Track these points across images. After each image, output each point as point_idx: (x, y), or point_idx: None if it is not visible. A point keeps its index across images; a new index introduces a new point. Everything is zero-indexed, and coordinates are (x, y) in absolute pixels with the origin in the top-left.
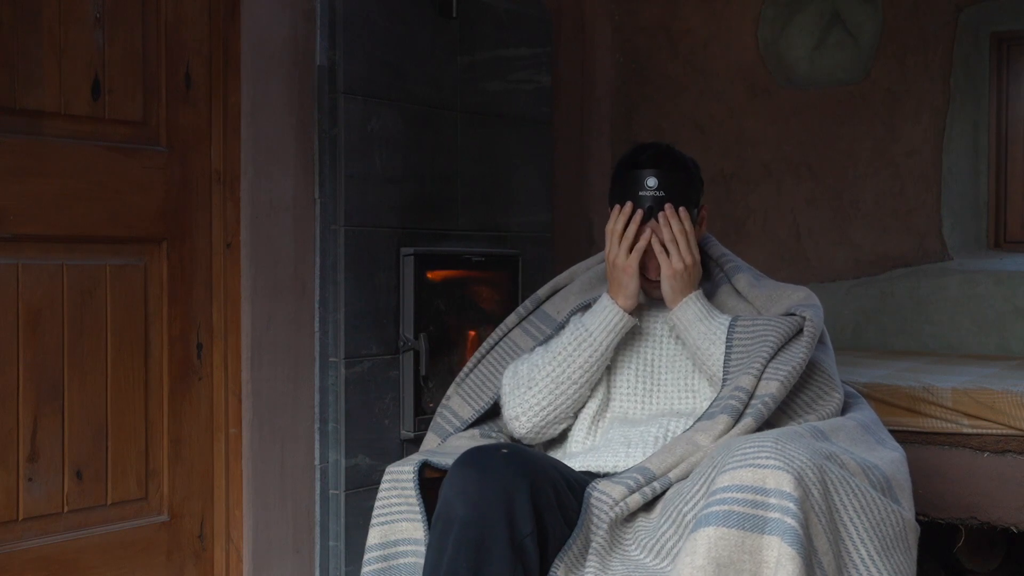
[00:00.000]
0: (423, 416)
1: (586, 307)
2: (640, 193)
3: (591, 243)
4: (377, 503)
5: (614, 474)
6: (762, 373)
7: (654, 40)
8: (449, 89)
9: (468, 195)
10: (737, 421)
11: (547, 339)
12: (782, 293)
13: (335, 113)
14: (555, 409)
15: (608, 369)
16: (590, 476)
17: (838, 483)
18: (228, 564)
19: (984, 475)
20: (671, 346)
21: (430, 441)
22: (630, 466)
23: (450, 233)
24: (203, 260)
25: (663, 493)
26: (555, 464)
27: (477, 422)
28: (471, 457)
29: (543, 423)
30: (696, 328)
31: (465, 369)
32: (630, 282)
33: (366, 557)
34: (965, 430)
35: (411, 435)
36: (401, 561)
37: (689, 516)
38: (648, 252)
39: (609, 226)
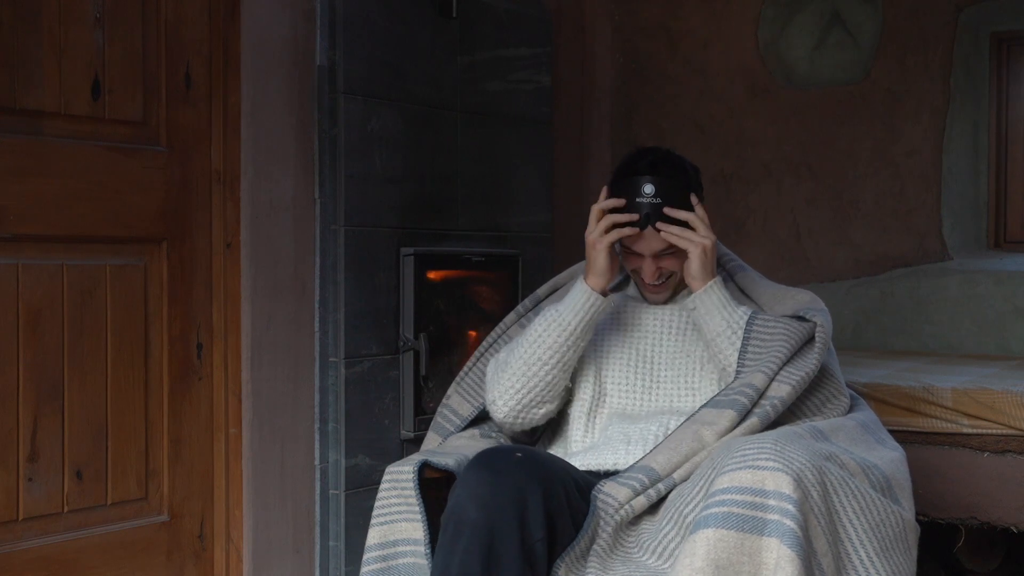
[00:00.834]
0: (423, 416)
1: None
2: (637, 200)
3: None
4: (377, 503)
5: (615, 472)
6: (775, 374)
7: (654, 40)
8: (449, 89)
9: (468, 195)
10: (743, 419)
11: None
12: (787, 294)
13: (335, 113)
14: (529, 392)
15: (603, 363)
16: (592, 475)
17: (837, 484)
18: (228, 564)
19: (984, 475)
20: (671, 343)
21: (431, 441)
22: (631, 464)
23: (450, 233)
24: (203, 260)
25: (667, 494)
26: (565, 466)
27: (477, 421)
28: (485, 459)
29: (519, 407)
30: (717, 315)
31: (465, 368)
32: (598, 258)
33: (365, 557)
34: (965, 430)
35: (411, 435)
36: (400, 561)
37: (690, 518)
38: (645, 257)
39: (595, 205)
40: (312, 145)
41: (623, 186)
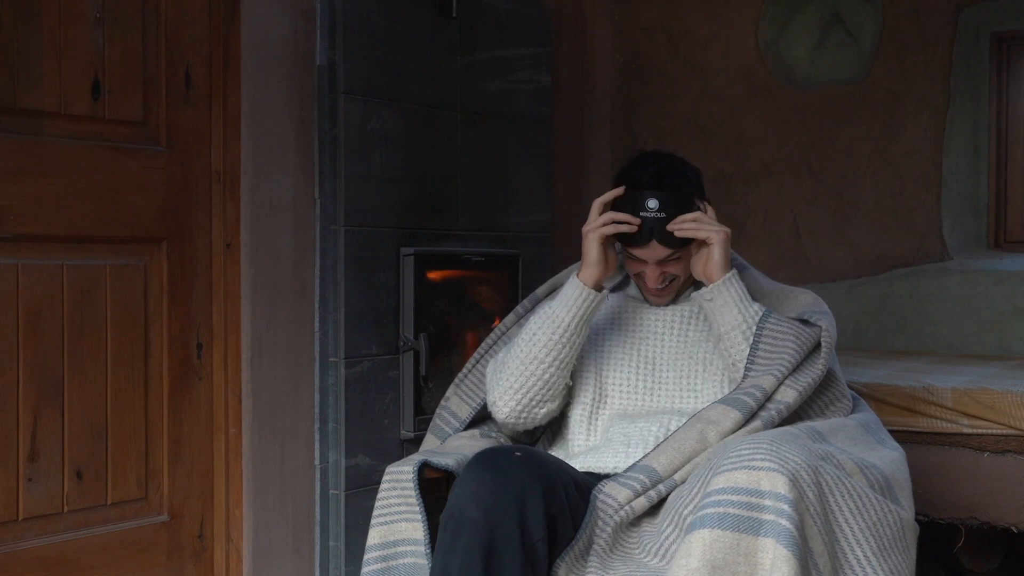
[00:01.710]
0: (423, 416)
1: None
2: (641, 214)
3: None
4: (377, 503)
5: (616, 474)
6: (784, 378)
7: (654, 40)
8: (449, 89)
9: (468, 195)
10: (748, 421)
11: None
12: (789, 295)
13: (335, 113)
14: (528, 392)
15: (604, 364)
16: (592, 477)
17: (833, 484)
18: (228, 564)
19: (984, 475)
20: (673, 344)
21: (429, 442)
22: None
23: (450, 233)
24: (203, 260)
25: (668, 495)
26: (565, 466)
27: (476, 421)
28: (485, 459)
29: (519, 407)
30: (734, 308)
31: (464, 370)
32: (590, 248)
33: (366, 557)
34: (965, 430)
35: (411, 435)
36: (400, 562)
37: (689, 520)
38: (648, 263)
39: (597, 199)
40: (312, 145)
41: (626, 200)
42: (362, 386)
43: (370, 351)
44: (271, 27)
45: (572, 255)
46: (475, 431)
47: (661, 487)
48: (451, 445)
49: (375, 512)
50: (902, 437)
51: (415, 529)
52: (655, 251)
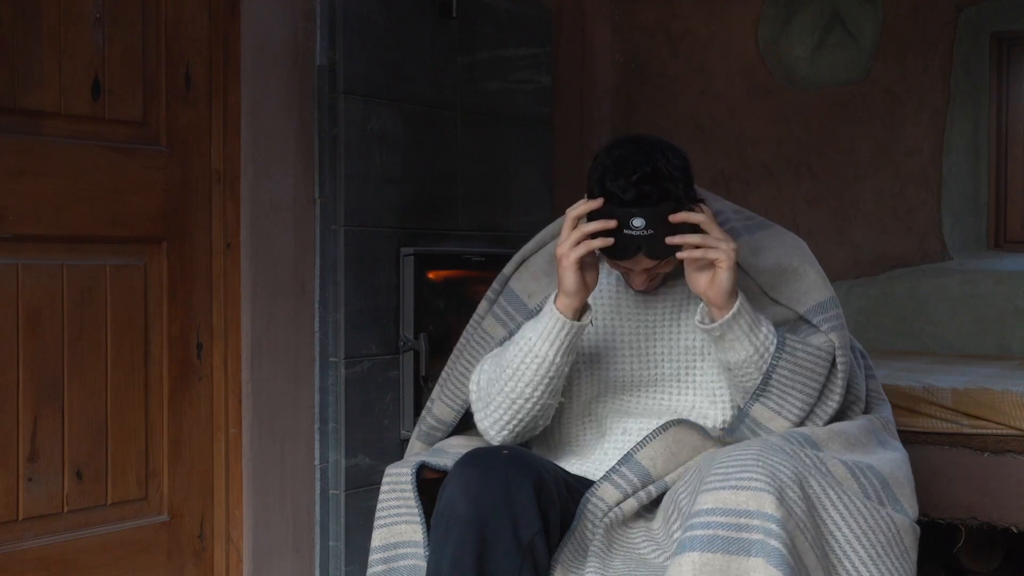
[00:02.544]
0: None
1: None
2: (626, 231)
3: None
4: (379, 505)
5: (609, 471)
6: (799, 422)
7: (654, 40)
8: (449, 89)
9: (468, 195)
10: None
11: (518, 328)
12: (787, 270)
13: (335, 113)
14: (520, 423)
15: (596, 362)
16: (582, 483)
17: (822, 493)
18: (228, 564)
19: (984, 475)
20: (667, 339)
21: (416, 447)
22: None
23: (450, 233)
24: (203, 260)
25: (661, 495)
26: (553, 465)
27: (465, 423)
28: (472, 457)
29: (513, 435)
30: (745, 341)
31: (446, 369)
32: (565, 276)
33: (370, 559)
34: (965, 430)
35: (411, 435)
36: (401, 563)
37: (676, 537)
38: (632, 269)
39: (569, 208)
40: (312, 145)
41: (605, 214)
42: (362, 386)
43: (370, 351)
44: (271, 27)
45: None
46: (469, 434)
47: (652, 488)
48: (448, 444)
49: (377, 514)
50: (902, 437)
51: (414, 531)
52: (642, 263)
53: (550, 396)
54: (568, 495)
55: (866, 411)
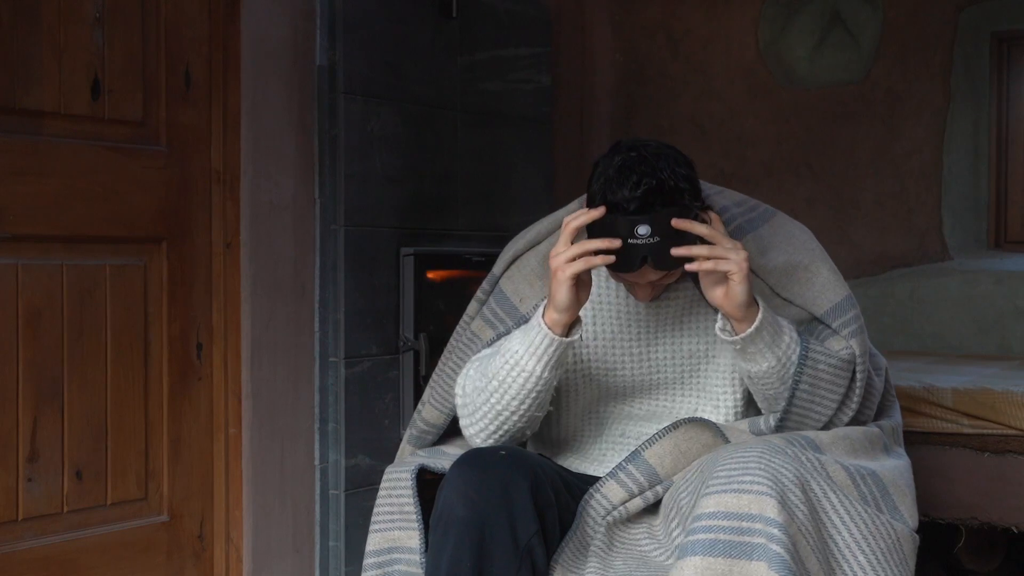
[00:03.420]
0: None
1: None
2: (630, 241)
3: None
4: (375, 508)
5: (616, 468)
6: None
7: (654, 40)
8: (449, 89)
9: (468, 195)
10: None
11: (507, 332)
12: (799, 266)
13: (335, 113)
14: (506, 432)
15: (599, 367)
16: (582, 481)
17: (823, 496)
18: (228, 564)
19: (984, 475)
20: (670, 344)
21: (407, 452)
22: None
23: (450, 233)
24: (203, 260)
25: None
26: (552, 464)
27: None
28: (470, 458)
29: (499, 443)
30: (768, 353)
31: (436, 372)
32: (559, 291)
33: (364, 563)
34: (965, 430)
35: None
36: (395, 568)
37: (678, 541)
38: (636, 282)
39: (568, 218)
40: (312, 145)
41: (607, 225)
42: (362, 386)
43: (370, 351)
44: (271, 27)
45: None
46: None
47: (659, 488)
48: (446, 446)
49: (372, 518)
50: (902, 437)
51: (409, 537)
52: (648, 275)
53: (537, 409)
54: (568, 494)
55: (878, 414)
